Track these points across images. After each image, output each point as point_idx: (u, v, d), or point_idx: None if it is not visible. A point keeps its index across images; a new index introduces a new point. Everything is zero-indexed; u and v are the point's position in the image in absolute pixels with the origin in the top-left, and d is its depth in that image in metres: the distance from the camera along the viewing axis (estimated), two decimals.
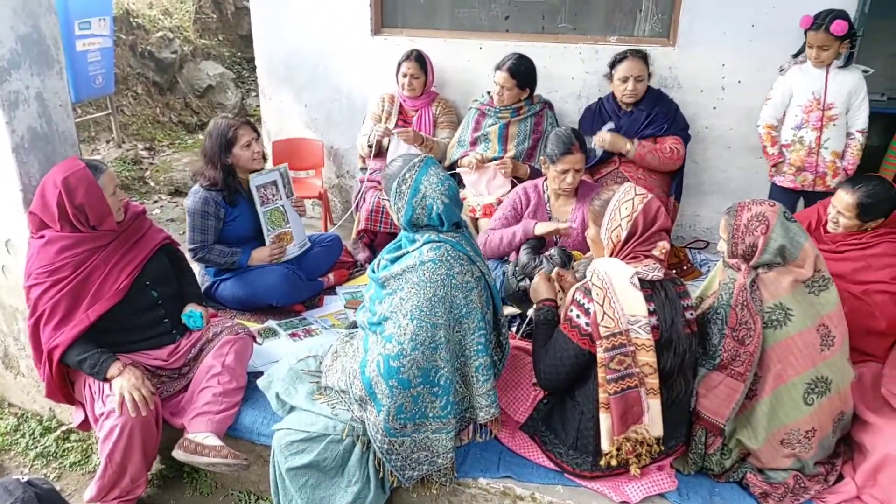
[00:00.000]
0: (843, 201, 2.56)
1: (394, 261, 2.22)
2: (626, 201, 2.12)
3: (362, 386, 2.17)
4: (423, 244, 2.15)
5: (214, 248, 3.10)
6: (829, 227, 2.63)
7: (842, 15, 3.12)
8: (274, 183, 3.17)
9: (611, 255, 2.14)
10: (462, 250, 2.16)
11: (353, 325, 2.81)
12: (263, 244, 3.23)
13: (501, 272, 3.10)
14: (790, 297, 2.14)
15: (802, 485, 2.14)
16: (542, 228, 2.97)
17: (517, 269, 2.93)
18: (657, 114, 3.54)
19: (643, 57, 3.48)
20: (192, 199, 3.08)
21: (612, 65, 3.54)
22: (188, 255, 3.10)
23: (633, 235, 2.09)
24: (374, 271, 2.27)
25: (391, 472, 2.17)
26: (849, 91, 3.27)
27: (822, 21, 3.14)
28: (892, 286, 2.47)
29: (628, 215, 2.09)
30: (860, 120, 3.34)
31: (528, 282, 2.74)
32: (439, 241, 2.14)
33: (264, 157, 3.23)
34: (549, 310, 2.29)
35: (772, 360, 2.13)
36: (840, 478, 2.21)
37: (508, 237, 3.07)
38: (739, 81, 3.65)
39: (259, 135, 3.19)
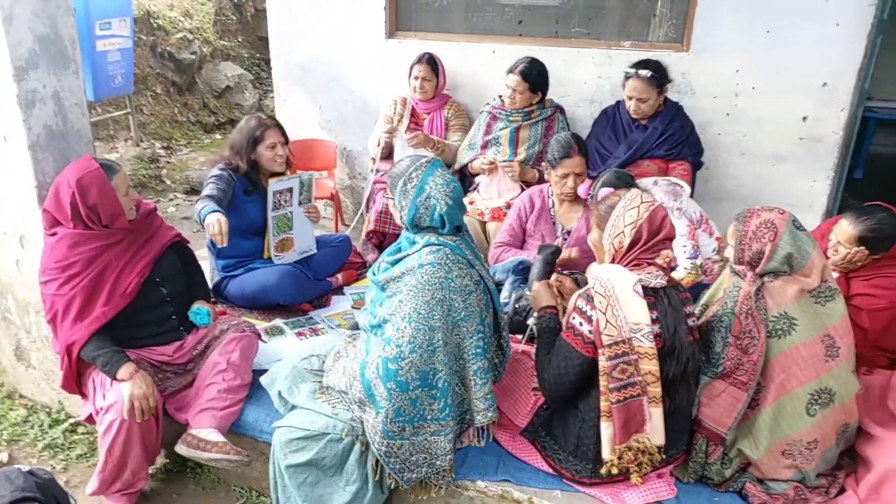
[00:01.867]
0: (846, 233, 2.48)
1: (394, 263, 2.23)
2: (631, 208, 2.09)
3: (361, 388, 2.18)
4: (423, 247, 2.16)
5: (205, 199, 2.92)
6: (829, 253, 2.55)
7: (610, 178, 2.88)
8: (290, 190, 3.21)
9: (612, 262, 2.12)
10: (461, 254, 2.16)
11: (356, 326, 2.82)
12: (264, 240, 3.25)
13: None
14: (795, 306, 2.12)
15: (803, 496, 2.12)
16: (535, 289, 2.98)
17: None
18: (671, 133, 3.46)
19: (649, 78, 3.35)
20: (212, 170, 3.12)
21: (625, 76, 3.47)
22: (208, 252, 3.13)
23: (637, 243, 2.06)
24: (374, 273, 2.29)
25: (389, 475, 2.18)
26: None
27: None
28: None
29: (632, 223, 2.06)
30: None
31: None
32: (439, 245, 2.15)
33: (289, 164, 3.24)
34: (551, 317, 2.28)
35: (775, 370, 2.11)
36: (842, 490, 2.18)
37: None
38: (753, 88, 3.62)
39: (287, 140, 3.22)
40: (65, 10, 2.69)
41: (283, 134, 3.20)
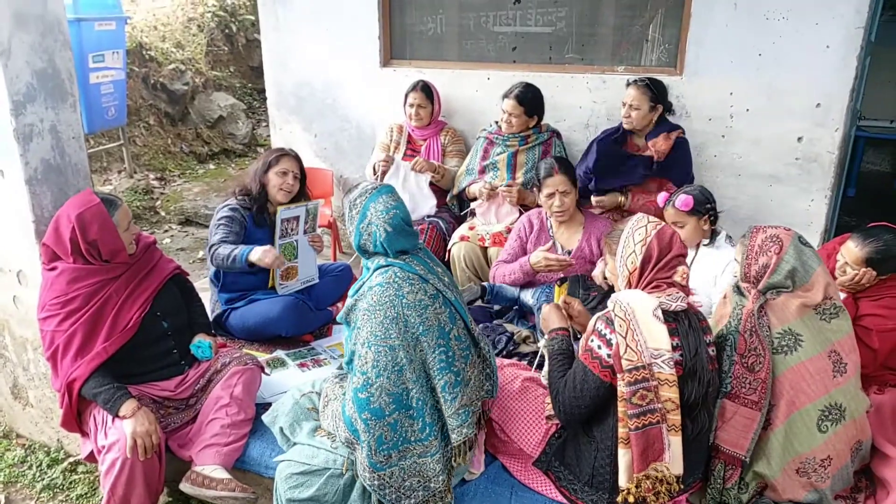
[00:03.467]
0: (853, 254, 2.50)
1: (352, 295, 2.23)
2: (639, 228, 2.10)
3: (345, 427, 2.17)
4: (374, 271, 2.18)
5: (222, 245, 2.99)
6: (836, 274, 2.56)
7: (690, 191, 2.88)
8: (297, 218, 3.21)
9: (627, 285, 2.11)
10: (411, 270, 2.15)
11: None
12: (269, 272, 3.22)
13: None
14: (799, 322, 2.12)
15: None
16: (534, 258, 3.03)
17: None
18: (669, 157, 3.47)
19: (646, 86, 3.42)
20: (221, 208, 3.14)
21: (626, 85, 3.54)
22: (207, 257, 3.10)
23: (649, 261, 2.06)
24: (341, 314, 2.27)
25: None
26: (713, 275, 2.85)
27: (672, 198, 2.90)
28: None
29: (642, 240, 2.06)
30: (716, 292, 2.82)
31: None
32: (387, 265, 2.16)
33: (301, 197, 3.27)
34: (564, 339, 2.26)
35: (784, 388, 2.10)
36: None
37: (510, 274, 3.15)
38: (748, 110, 3.65)
39: (302, 176, 3.24)
40: (62, 43, 2.68)
41: (300, 167, 3.23)
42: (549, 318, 2.37)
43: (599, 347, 2.03)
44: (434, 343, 2.12)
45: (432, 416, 2.13)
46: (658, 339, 1.95)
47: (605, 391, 2.02)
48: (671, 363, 1.94)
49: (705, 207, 2.87)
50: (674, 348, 1.97)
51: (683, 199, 2.83)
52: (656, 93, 3.44)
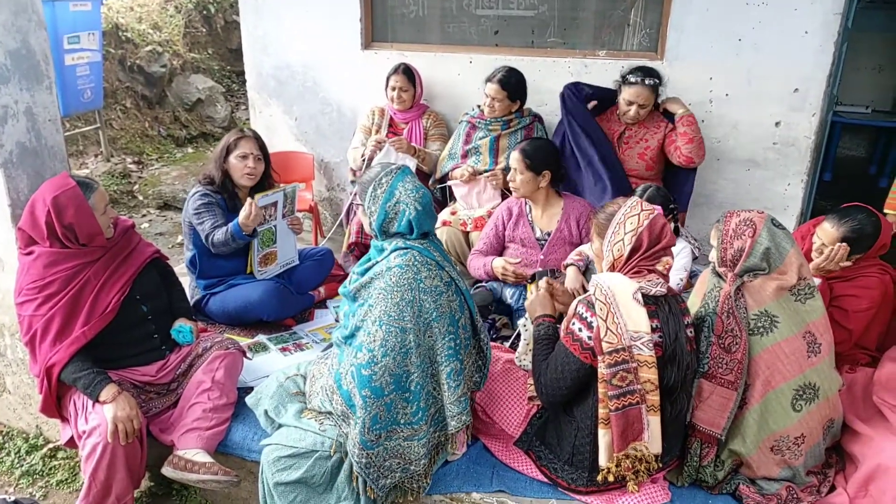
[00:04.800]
0: (828, 235, 2.55)
1: (363, 273, 2.22)
2: (631, 216, 2.09)
3: (342, 400, 2.17)
4: (391, 252, 2.17)
5: (215, 231, 2.99)
6: (813, 255, 2.60)
7: (651, 196, 2.82)
8: (275, 204, 3.17)
9: (611, 268, 2.13)
10: (430, 256, 2.17)
11: (330, 348, 2.79)
12: (247, 257, 3.20)
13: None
14: (775, 304, 2.16)
15: (795, 496, 2.15)
16: (496, 263, 3.14)
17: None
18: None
19: (653, 87, 3.41)
20: (192, 196, 3.07)
21: (623, 80, 3.47)
22: (204, 251, 3.09)
23: (637, 251, 2.07)
24: (345, 287, 2.27)
25: (368, 486, 2.15)
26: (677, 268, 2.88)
27: (641, 195, 2.82)
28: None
29: (633, 230, 2.07)
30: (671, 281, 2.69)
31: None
32: (406, 248, 2.16)
33: (266, 179, 3.20)
34: (550, 325, 2.28)
35: (760, 368, 2.15)
36: (832, 489, 2.22)
37: (481, 267, 3.22)
38: (727, 95, 3.68)
39: (264, 155, 3.16)
40: (36, 23, 2.63)
41: (261, 148, 3.14)
42: (535, 304, 2.38)
43: (580, 330, 2.05)
44: (445, 330, 2.14)
45: (426, 402, 2.15)
46: (638, 321, 1.98)
47: (586, 373, 2.05)
48: (650, 345, 1.97)
49: (669, 208, 2.86)
50: (653, 330, 2.00)
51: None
52: (659, 85, 3.46)
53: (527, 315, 2.43)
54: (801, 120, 3.58)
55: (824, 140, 4.33)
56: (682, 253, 2.97)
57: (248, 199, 2.96)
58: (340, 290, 2.31)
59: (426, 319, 2.12)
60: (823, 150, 4.52)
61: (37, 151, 2.66)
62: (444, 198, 3.99)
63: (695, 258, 3.09)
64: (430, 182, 4.06)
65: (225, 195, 3.12)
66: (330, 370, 2.30)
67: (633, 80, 3.42)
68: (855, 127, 6.47)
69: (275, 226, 3.20)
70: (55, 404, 2.43)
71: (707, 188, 3.91)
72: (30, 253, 2.38)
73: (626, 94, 3.45)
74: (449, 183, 3.83)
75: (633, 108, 3.44)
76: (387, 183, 2.18)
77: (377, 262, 2.19)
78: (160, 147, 6.92)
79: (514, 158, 3.08)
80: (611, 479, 2.00)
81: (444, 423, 2.21)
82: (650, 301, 2.03)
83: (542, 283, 2.47)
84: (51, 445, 2.90)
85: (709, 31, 3.61)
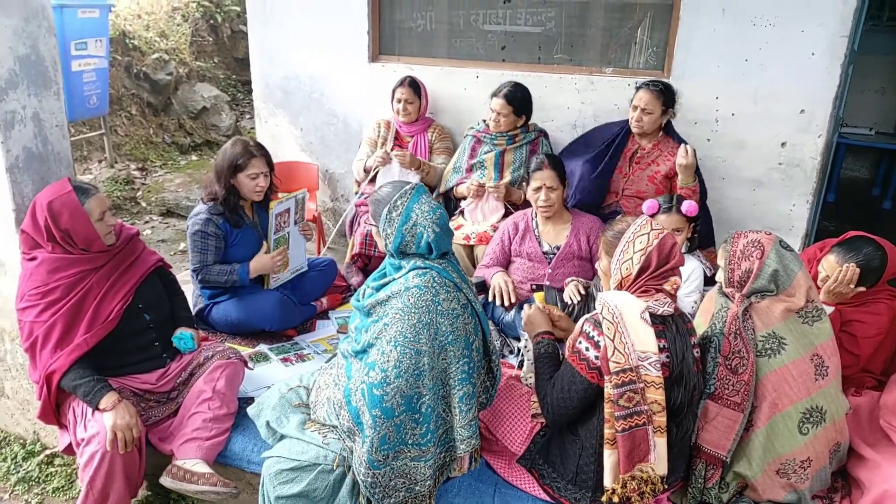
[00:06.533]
0: (834, 269, 2.53)
1: (378, 288, 2.20)
2: (641, 235, 2.07)
3: (349, 416, 2.14)
4: (409, 271, 2.13)
5: (213, 267, 3.03)
6: (819, 280, 2.58)
7: (688, 197, 2.89)
8: (288, 210, 3.17)
9: (619, 288, 2.11)
10: (448, 277, 2.14)
11: (334, 357, 2.78)
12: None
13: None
14: (783, 325, 2.15)
15: None
16: (494, 280, 3.18)
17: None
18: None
19: (659, 91, 3.42)
20: (193, 220, 3.04)
21: (636, 89, 3.53)
22: (190, 277, 3.07)
23: (646, 271, 2.05)
24: (358, 300, 2.25)
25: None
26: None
27: (669, 204, 2.89)
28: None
29: (642, 249, 2.04)
30: (685, 304, 2.89)
31: None
32: (425, 268, 2.13)
33: (273, 191, 3.21)
34: (549, 343, 2.26)
35: (767, 390, 2.13)
36: None
37: (481, 275, 3.26)
38: (733, 114, 3.69)
39: (272, 169, 3.15)
40: (46, 29, 2.64)
41: (269, 163, 3.13)
42: (534, 321, 2.37)
43: (587, 349, 2.03)
44: (459, 353, 2.11)
45: (436, 424, 2.12)
46: (645, 341, 1.96)
47: (593, 392, 2.03)
48: (658, 365, 1.95)
49: (697, 217, 2.88)
50: (661, 350, 1.98)
51: (691, 206, 2.81)
52: (669, 96, 3.45)
53: (525, 335, 2.41)
54: (807, 141, 3.59)
55: (829, 161, 4.33)
56: (693, 274, 2.92)
57: (263, 255, 3.10)
58: (353, 302, 2.28)
59: (441, 342, 2.09)
60: (828, 172, 4.53)
61: (43, 157, 2.66)
62: (448, 211, 3.99)
63: (706, 278, 3.07)
64: (434, 195, 4.06)
65: (227, 211, 3.06)
66: (336, 381, 2.27)
67: (638, 84, 3.49)
68: (859, 148, 6.48)
69: (288, 233, 3.21)
70: (54, 411, 2.41)
71: (712, 207, 3.89)
72: (33, 259, 2.37)
73: (634, 100, 3.49)
74: (462, 204, 3.82)
75: (637, 113, 3.46)
76: (402, 205, 2.13)
77: (394, 279, 2.16)
78: (164, 154, 6.93)
79: (547, 176, 3.08)
80: (615, 500, 1.98)
81: (452, 444, 2.18)
82: (657, 321, 2.01)
83: (538, 297, 2.45)
84: (48, 452, 2.88)
85: (716, 51, 3.62)
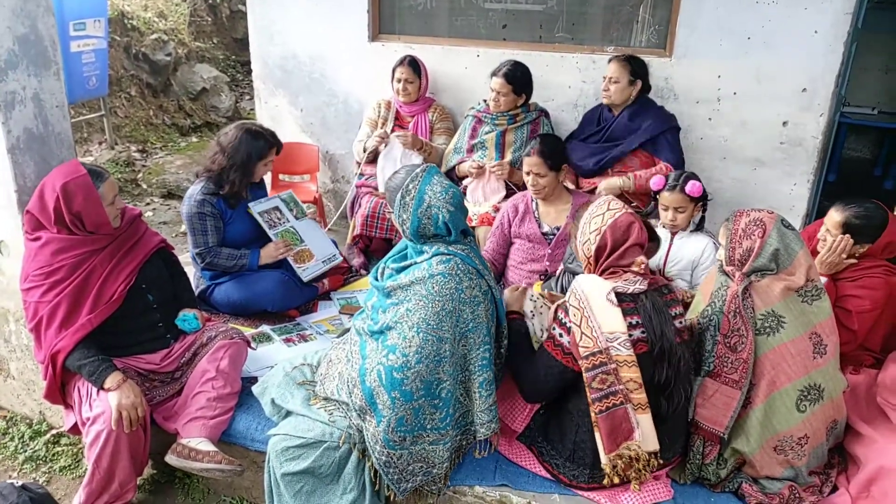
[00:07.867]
0: (832, 219, 2.54)
1: (399, 270, 2.20)
2: (596, 215, 2.13)
3: (363, 395, 2.15)
4: (433, 256, 2.13)
5: (222, 251, 3.06)
6: (818, 247, 2.59)
7: (694, 176, 2.86)
8: (276, 209, 3.21)
9: (587, 269, 2.15)
10: (471, 264, 2.15)
11: (347, 332, 2.80)
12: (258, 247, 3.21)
13: None
14: (782, 304, 2.16)
15: (797, 496, 2.15)
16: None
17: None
18: (641, 123, 3.51)
19: (626, 60, 3.49)
20: (188, 204, 3.03)
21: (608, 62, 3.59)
22: (196, 261, 3.08)
23: (603, 250, 2.09)
24: (376, 279, 2.26)
25: (387, 486, 2.15)
26: (692, 260, 2.88)
27: (675, 182, 2.85)
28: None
29: (596, 229, 2.10)
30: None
31: None
32: (449, 254, 2.13)
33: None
34: (519, 322, 2.32)
35: (765, 368, 2.15)
36: (834, 489, 2.22)
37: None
38: (735, 93, 3.67)
39: (279, 151, 3.23)
40: (45, 9, 2.62)
41: (279, 152, 3.24)
42: (507, 301, 2.42)
43: (560, 335, 2.08)
44: (480, 340, 2.13)
45: (455, 408, 2.15)
46: (612, 322, 1.98)
47: (570, 375, 2.08)
48: (628, 344, 1.97)
49: (704, 196, 2.89)
50: (633, 326, 2.00)
51: (695, 186, 2.81)
52: (635, 68, 3.49)
53: (530, 308, 2.44)
54: (808, 120, 3.57)
55: (831, 140, 4.32)
56: (706, 251, 2.87)
57: (271, 244, 3.15)
58: (370, 280, 2.29)
59: (462, 330, 2.11)
60: (829, 151, 4.51)
61: (44, 138, 2.66)
62: None
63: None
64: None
65: (230, 196, 3.07)
66: (349, 357, 2.29)
67: (609, 57, 3.59)
68: (861, 128, 6.44)
69: (292, 227, 3.24)
70: (59, 391, 2.43)
71: (712, 187, 3.89)
72: (37, 239, 2.38)
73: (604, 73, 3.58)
74: (464, 183, 3.82)
75: (605, 83, 3.54)
76: (414, 189, 2.14)
77: (416, 264, 2.16)
78: (164, 135, 6.91)
79: (534, 163, 3.05)
80: (615, 480, 2.01)
81: (469, 427, 2.21)
82: (628, 299, 2.03)
83: (536, 286, 2.48)
84: (54, 431, 2.91)
85: (718, 29, 3.59)
